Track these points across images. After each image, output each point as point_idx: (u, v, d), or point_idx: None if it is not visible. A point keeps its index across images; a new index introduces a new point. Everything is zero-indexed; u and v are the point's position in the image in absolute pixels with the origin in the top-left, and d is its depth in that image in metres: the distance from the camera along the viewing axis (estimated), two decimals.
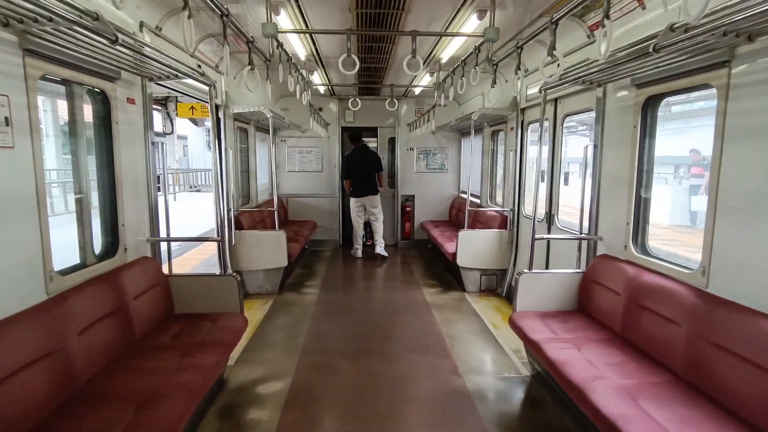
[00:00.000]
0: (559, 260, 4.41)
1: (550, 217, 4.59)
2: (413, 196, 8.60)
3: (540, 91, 3.54)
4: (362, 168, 7.42)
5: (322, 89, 7.51)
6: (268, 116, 5.28)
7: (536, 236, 3.69)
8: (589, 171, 3.74)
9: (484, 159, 6.94)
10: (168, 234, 3.98)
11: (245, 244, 5.47)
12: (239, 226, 5.51)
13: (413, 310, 5.16)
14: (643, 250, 3.23)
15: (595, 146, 3.67)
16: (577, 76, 3.08)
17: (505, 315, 4.92)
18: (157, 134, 3.71)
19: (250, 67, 3.63)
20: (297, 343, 4.22)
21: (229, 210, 5.21)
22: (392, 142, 8.61)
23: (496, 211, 5.98)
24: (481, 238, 5.68)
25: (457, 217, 7.95)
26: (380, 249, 7.76)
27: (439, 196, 8.58)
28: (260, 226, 6.27)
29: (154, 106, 4.28)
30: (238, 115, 5.61)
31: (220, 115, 5.10)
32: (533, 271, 3.64)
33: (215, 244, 5.08)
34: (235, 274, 3.75)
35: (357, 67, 3.40)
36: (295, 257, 5.95)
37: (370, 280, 6.57)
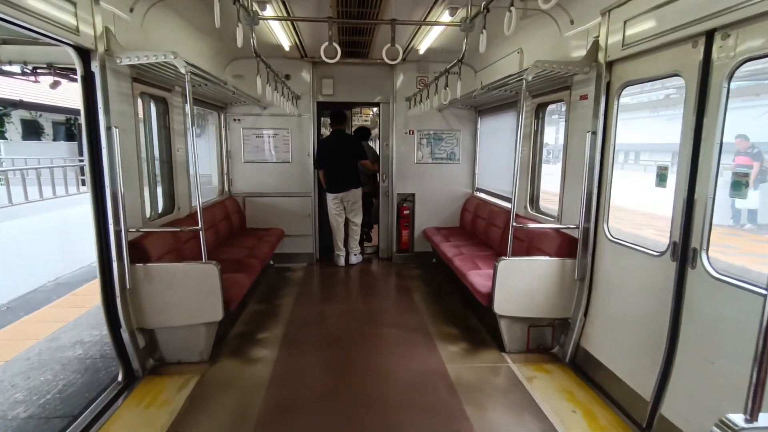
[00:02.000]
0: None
1: (682, 249, 2.53)
2: (413, 195, 6.49)
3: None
4: (338, 156, 5.99)
5: (286, 45, 5.29)
6: (182, 70, 3.07)
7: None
8: None
9: (520, 145, 4.85)
10: None
11: (153, 285, 3.32)
12: (143, 255, 3.35)
13: (430, 399, 3.10)
14: None
15: None
16: None
17: (581, 404, 2.94)
18: None
19: None
20: None
21: (118, 231, 3.06)
22: (386, 124, 6.45)
23: (553, 228, 3.91)
24: (532, 272, 3.62)
25: (474, 223, 5.88)
26: (355, 258, 6.44)
27: (447, 195, 6.49)
28: (189, 252, 4.09)
29: None
30: (140, 72, 3.40)
31: (95, 67, 2.89)
32: None
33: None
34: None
35: None
36: (240, 299, 3.81)
37: (358, 326, 4.42)
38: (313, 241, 6.43)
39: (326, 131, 8.40)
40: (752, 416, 1.06)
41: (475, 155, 6.39)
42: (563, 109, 3.94)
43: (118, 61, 2.98)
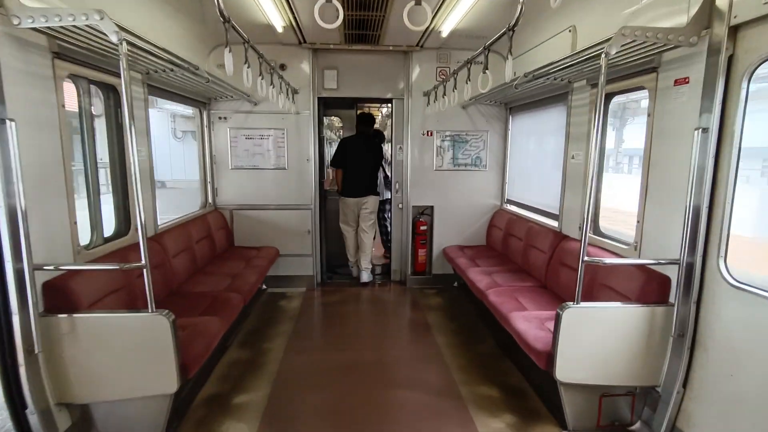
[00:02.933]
0: None
1: None
2: (431, 207, 5.50)
3: None
4: (362, 158, 5.47)
5: (279, 25, 4.34)
6: (112, 39, 2.11)
7: None
8: None
9: (571, 147, 3.85)
10: None
11: (80, 344, 2.36)
12: (68, 301, 2.39)
13: None
14: None
15: None
16: None
17: None
18: None
19: None
20: None
21: (20, 270, 2.12)
22: (400, 125, 5.47)
23: (632, 264, 2.89)
24: (608, 323, 2.61)
25: (506, 243, 4.88)
26: (366, 276, 5.62)
27: (471, 208, 5.49)
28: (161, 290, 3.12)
29: None
30: (65, 46, 2.45)
31: None
32: None
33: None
34: None
35: None
36: (205, 358, 2.82)
37: (367, 388, 3.36)
38: (313, 261, 5.46)
39: (332, 134, 7.46)
40: None
41: (505, 160, 5.39)
42: (625, 101, 2.92)
43: (15, 22, 2.03)
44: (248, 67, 3.23)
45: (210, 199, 5.13)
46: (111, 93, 3.19)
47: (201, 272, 4.16)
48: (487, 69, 3.29)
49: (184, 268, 3.89)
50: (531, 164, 4.88)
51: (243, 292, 3.72)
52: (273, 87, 4.14)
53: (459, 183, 5.42)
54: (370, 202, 5.50)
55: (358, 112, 6.56)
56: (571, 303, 2.55)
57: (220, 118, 5.09)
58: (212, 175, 5.14)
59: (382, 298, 5.30)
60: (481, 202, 5.47)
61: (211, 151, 5.11)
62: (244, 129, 5.14)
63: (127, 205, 3.33)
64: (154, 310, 2.36)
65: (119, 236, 3.26)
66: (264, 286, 5.38)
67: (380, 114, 9.99)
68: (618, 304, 2.70)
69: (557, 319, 2.56)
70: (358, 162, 5.43)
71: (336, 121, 6.62)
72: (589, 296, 3.01)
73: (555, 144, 4.21)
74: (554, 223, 4.07)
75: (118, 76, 2.41)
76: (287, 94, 4.81)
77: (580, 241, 2.54)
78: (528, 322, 3.04)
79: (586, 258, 2.50)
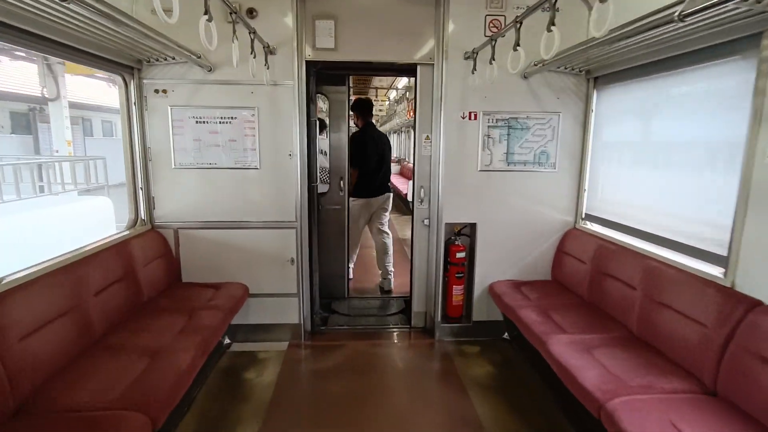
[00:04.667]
0: None
1: None
2: (473, 225, 3.75)
3: None
4: (376, 153, 4.90)
5: None
6: None
7: None
8: None
9: (763, 133, 2.07)
10: None
11: None
12: None
13: None
14: None
15: None
16: None
17: None
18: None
19: None
20: None
21: None
22: (427, 104, 3.70)
23: None
24: None
25: (596, 285, 3.17)
26: (389, 284, 5.04)
27: (531, 226, 3.74)
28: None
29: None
30: None
31: None
32: None
33: None
34: None
35: None
36: None
37: None
38: (299, 304, 3.73)
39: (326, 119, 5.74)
40: None
41: (583, 157, 3.64)
42: None
43: None
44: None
45: (142, 214, 3.40)
46: None
47: (99, 347, 2.43)
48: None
49: (54, 350, 2.16)
50: (641, 163, 3.12)
51: (180, 369, 2.06)
52: (237, 42, 2.45)
53: (515, 189, 3.68)
54: (388, 199, 5.06)
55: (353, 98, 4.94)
56: None
57: (156, 91, 3.34)
58: (145, 178, 3.40)
59: (401, 360, 3.57)
60: (545, 218, 3.73)
61: (143, 142, 3.37)
62: (193, 108, 3.39)
63: None
64: None
65: None
66: (227, 340, 3.68)
67: (388, 99, 8.20)
68: None
69: None
70: (378, 159, 4.89)
71: (321, 102, 4.85)
72: None
73: (707, 129, 2.46)
74: (713, 270, 2.32)
75: None
76: (262, 56, 3.08)
77: None
78: None
79: None
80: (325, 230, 4.46)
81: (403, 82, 10.18)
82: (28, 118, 15.24)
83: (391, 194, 5.11)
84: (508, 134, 3.60)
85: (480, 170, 3.62)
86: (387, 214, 5.08)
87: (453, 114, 3.55)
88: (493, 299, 3.65)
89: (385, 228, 5.01)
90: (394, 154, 19.51)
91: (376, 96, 8.28)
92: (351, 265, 5.10)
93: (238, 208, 3.54)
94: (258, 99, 3.40)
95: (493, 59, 3.04)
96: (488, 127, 3.58)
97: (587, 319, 2.93)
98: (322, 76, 4.08)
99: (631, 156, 3.21)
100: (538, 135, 3.61)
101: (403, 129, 15.91)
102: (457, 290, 3.83)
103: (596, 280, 3.14)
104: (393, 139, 19.92)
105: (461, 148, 3.60)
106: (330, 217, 4.55)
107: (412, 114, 9.46)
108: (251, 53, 2.93)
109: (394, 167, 17.60)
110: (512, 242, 3.74)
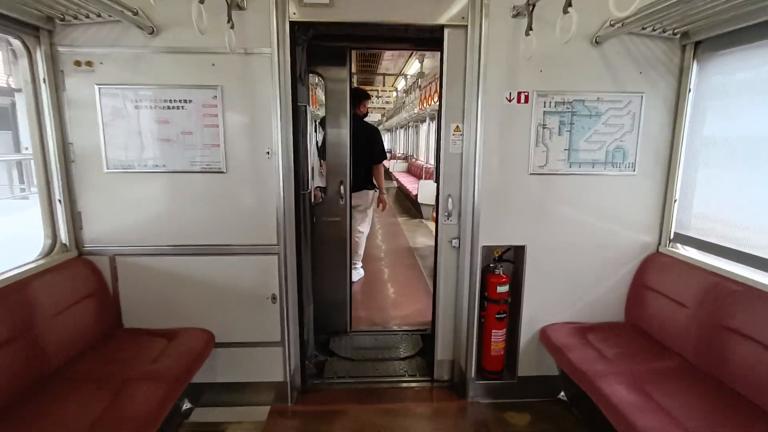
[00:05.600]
0: None
1: None
2: (521, 249, 2.75)
3: None
4: (359, 147, 4.03)
5: None
6: None
7: None
8: None
9: None
10: None
11: None
12: None
13: None
14: None
15: None
16: None
17: None
18: None
19: None
20: None
21: None
22: (457, 83, 2.69)
23: None
24: None
25: (706, 344, 2.14)
26: (356, 275, 4.92)
27: (600, 251, 2.74)
28: None
29: None
30: None
31: None
32: None
33: None
34: None
35: None
36: None
37: None
38: (284, 355, 2.75)
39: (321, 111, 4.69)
40: None
41: (674, 155, 2.63)
42: None
43: None
44: None
45: (63, 237, 2.44)
46: None
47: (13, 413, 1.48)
48: None
49: None
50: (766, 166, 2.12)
51: None
52: None
53: (579, 199, 2.68)
54: (367, 198, 4.74)
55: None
56: None
57: (78, 63, 2.37)
58: (66, 187, 2.44)
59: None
60: (619, 239, 2.73)
61: (60, 136, 2.40)
62: (131, 87, 2.41)
63: None
64: None
65: None
66: (186, 404, 2.71)
67: (393, 97, 7.22)
68: None
69: None
70: (355, 151, 4.04)
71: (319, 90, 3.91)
72: None
73: None
74: None
75: None
76: (224, 13, 2.10)
77: None
78: None
79: None
80: (321, 250, 3.49)
81: (414, 68, 9.12)
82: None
83: (372, 192, 4.77)
84: (572, 123, 2.59)
85: (531, 173, 2.62)
86: (368, 210, 4.84)
87: (495, 95, 2.55)
88: (550, 351, 2.66)
89: (360, 228, 4.82)
90: (401, 151, 18.49)
91: (384, 84, 7.24)
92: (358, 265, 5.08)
93: (199, 227, 2.56)
94: (222, 74, 2.42)
95: (563, 13, 2.05)
96: (544, 113, 2.58)
97: (706, 401, 1.94)
98: (316, 51, 3.10)
99: (750, 156, 2.21)
100: (612, 125, 2.60)
101: (410, 123, 14.90)
102: (497, 335, 2.85)
103: (711, 336, 2.15)
104: (399, 135, 18.90)
105: (505, 142, 2.60)
106: (328, 232, 3.58)
107: (429, 102, 8.37)
108: (211, 7, 1.95)
109: (402, 164, 16.61)
110: (574, 272, 2.74)
